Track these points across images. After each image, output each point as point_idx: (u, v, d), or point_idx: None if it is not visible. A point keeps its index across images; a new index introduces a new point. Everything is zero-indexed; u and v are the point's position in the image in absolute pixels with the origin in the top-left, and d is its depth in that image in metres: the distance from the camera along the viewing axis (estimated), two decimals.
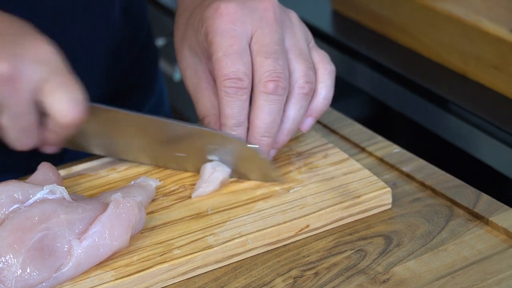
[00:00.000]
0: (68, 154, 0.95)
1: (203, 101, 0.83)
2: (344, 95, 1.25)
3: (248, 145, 0.79)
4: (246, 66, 0.78)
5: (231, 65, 0.77)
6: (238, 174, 0.82)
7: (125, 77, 1.03)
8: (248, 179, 0.82)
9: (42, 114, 0.77)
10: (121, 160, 0.86)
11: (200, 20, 0.81)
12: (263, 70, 0.78)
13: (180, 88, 1.46)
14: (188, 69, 0.84)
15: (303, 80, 0.79)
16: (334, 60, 0.84)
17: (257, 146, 0.79)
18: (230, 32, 0.78)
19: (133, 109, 0.81)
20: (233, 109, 0.78)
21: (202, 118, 0.83)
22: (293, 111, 0.80)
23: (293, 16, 0.83)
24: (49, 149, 0.81)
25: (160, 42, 1.51)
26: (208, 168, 0.81)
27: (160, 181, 0.82)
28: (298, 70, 0.80)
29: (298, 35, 0.81)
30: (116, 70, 1.01)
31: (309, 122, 0.83)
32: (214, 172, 0.81)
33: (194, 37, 0.83)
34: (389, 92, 1.16)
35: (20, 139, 0.77)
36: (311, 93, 0.81)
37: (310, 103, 0.82)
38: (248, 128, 0.80)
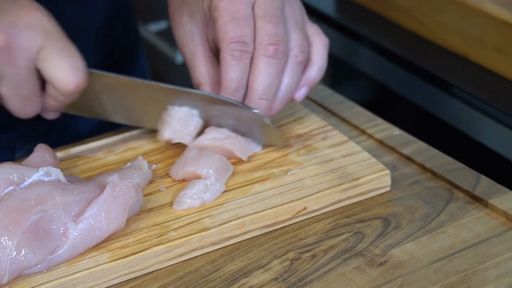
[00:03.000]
0: (53, 135, 0.95)
1: (199, 68, 0.83)
2: (347, 78, 1.24)
3: (253, 110, 0.80)
4: (251, 31, 0.79)
5: (238, 29, 0.79)
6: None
7: (106, 56, 1.02)
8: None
9: (43, 81, 0.76)
10: (114, 122, 0.86)
11: None
12: (264, 34, 0.79)
13: (182, 71, 1.45)
14: (185, 36, 0.84)
15: (298, 49, 0.81)
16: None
17: (258, 111, 0.80)
18: None
19: None
20: (236, 72, 0.79)
21: (197, 85, 0.84)
22: (287, 79, 0.81)
23: None
24: (50, 115, 0.81)
25: (161, 25, 1.50)
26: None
27: (157, 163, 0.81)
28: (294, 39, 0.81)
29: (296, 6, 0.83)
30: (99, 50, 1.00)
31: (303, 92, 0.84)
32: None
33: (195, 3, 0.83)
34: (392, 75, 1.15)
35: (23, 107, 0.77)
36: (304, 63, 0.82)
37: (305, 73, 0.83)
38: (246, 92, 0.81)
